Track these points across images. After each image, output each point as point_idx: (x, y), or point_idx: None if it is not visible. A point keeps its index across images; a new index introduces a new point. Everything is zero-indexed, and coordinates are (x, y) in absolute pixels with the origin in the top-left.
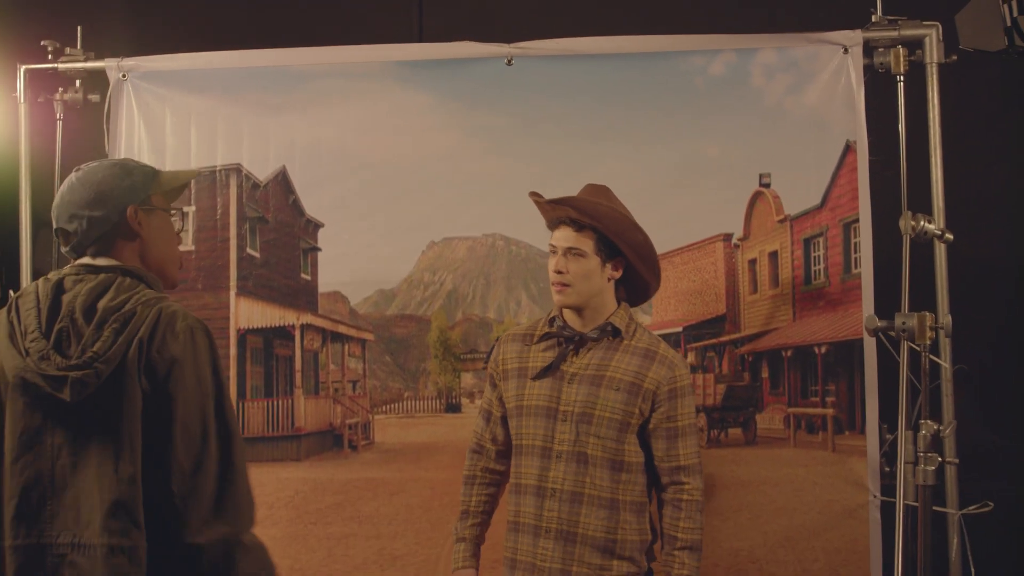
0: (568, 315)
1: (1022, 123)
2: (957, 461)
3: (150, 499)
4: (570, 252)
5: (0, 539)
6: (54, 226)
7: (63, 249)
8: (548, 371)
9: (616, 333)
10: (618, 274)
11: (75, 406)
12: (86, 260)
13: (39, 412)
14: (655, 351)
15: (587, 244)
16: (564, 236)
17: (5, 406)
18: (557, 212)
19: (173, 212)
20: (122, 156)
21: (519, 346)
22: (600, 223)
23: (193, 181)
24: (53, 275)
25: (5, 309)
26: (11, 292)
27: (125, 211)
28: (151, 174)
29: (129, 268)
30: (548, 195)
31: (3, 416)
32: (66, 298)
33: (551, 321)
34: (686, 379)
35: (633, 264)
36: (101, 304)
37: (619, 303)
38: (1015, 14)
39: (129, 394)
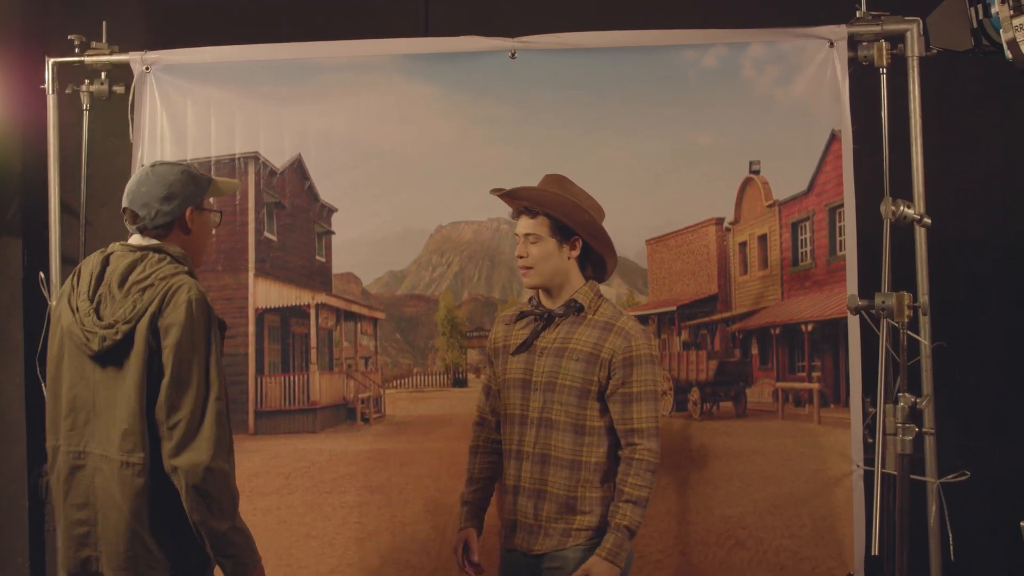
0: (542, 295)
1: (999, 113)
2: (934, 431)
3: (152, 429)
4: (528, 237)
5: (56, 442)
6: (124, 206)
7: (128, 226)
8: (524, 347)
9: (580, 309)
10: (576, 252)
11: (104, 354)
12: (133, 240)
13: (84, 355)
14: (613, 323)
15: (542, 228)
16: (523, 224)
17: (64, 348)
18: (515, 203)
19: (215, 212)
20: (146, 144)
21: (506, 326)
22: (547, 208)
23: (213, 168)
24: (108, 248)
25: (73, 272)
26: (40, 274)
27: (185, 210)
28: (208, 182)
29: (161, 246)
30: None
31: (63, 355)
32: (109, 269)
33: (530, 301)
34: (643, 349)
35: (588, 242)
36: (131, 277)
37: (587, 280)
38: (981, 17)
39: (140, 349)
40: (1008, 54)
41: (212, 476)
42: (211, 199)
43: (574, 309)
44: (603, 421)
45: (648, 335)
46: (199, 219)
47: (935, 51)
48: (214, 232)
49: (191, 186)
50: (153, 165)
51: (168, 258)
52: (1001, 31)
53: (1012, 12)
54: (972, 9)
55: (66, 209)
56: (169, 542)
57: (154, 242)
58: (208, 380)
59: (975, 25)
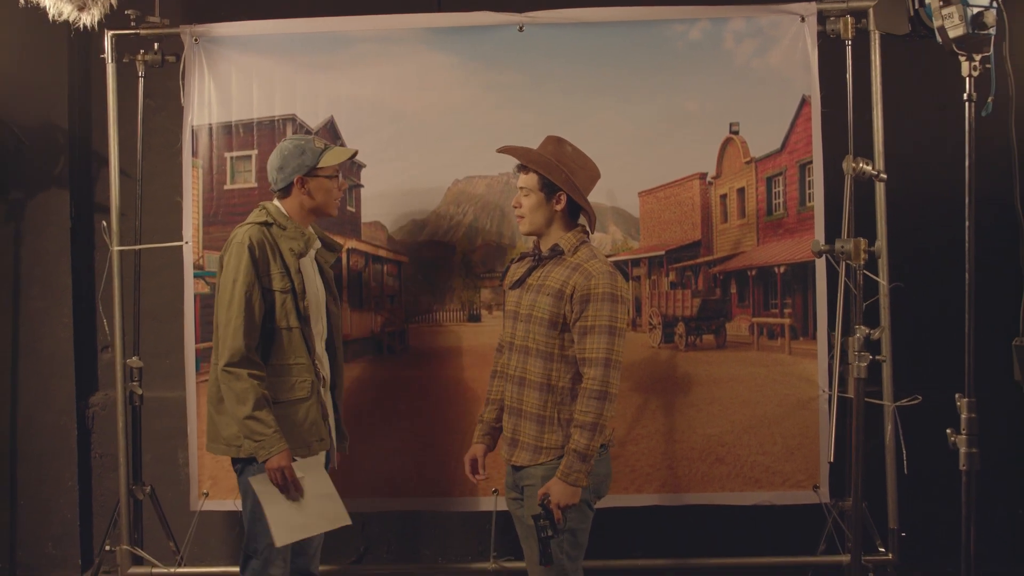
0: (539, 241)
1: (949, 81)
2: (887, 359)
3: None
4: (522, 190)
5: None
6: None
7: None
8: (518, 284)
9: (562, 252)
10: (560, 206)
11: None
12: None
13: None
14: (582, 264)
15: (532, 183)
16: (520, 179)
17: None
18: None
19: (332, 177)
20: (195, 107)
21: (513, 265)
22: (535, 166)
23: (256, 128)
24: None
25: None
26: (103, 222)
27: (294, 178)
28: (318, 152)
29: (264, 204)
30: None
31: None
32: None
33: (532, 246)
34: (601, 288)
35: (572, 197)
36: None
37: (573, 228)
38: (917, 7)
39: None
40: (938, 38)
41: (225, 375)
42: (329, 165)
43: (557, 252)
44: (571, 351)
45: (614, 276)
46: (312, 183)
47: None
48: (337, 190)
49: (299, 158)
50: (285, 139)
51: (256, 211)
52: (932, 19)
53: (941, 3)
54: (909, 0)
55: (105, 162)
56: (225, 423)
57: (270, 203)
58: (230, 302)
59: (912, 13)
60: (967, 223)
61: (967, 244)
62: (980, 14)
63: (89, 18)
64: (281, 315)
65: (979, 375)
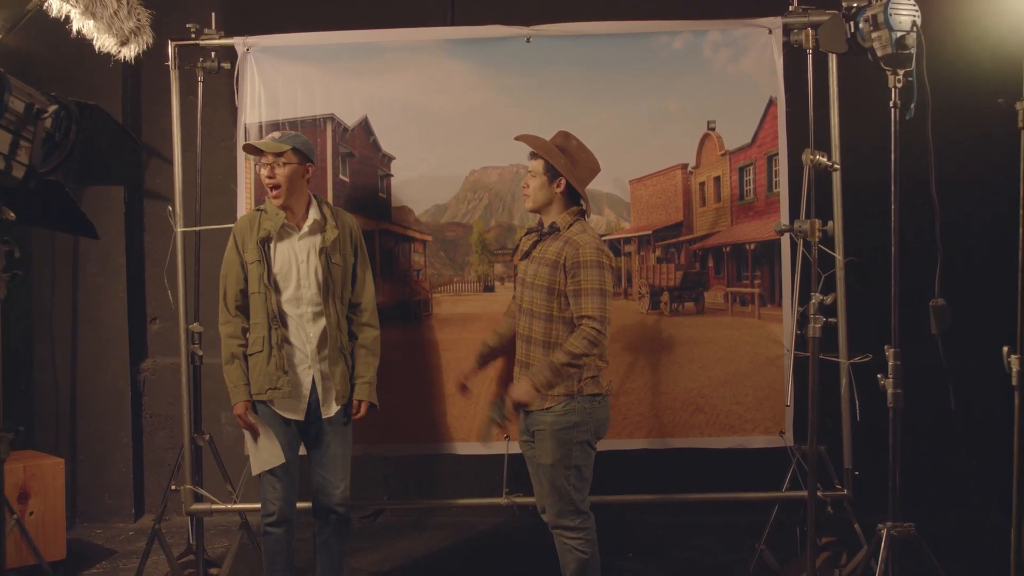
0: (541, 218)
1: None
2: (835, 320)
3: None
4: (530, 173)
5: None
6: None
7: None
8: (525, 256)
9: (558, 229)
10: (560, 188)
11: None
12: None
13: None
14: (571, 238)
15: (538, 167)
16: (530, 164)
17: None
18: (528, 146)
19: (255, 158)
20: (247, 108)
21: (522, 241)
22: (542, 152)
23: (300, 126)
24: None
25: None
26: (169, 207)
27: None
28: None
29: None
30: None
31: None
32: None
33: (537, 222)
34: (587, 256)
35: (570, 181)
36: None
37: (570, 206)
38: (853, 31)
39: None
40: (870, 57)
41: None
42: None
43: (555, 229)
44: (567, 312)
45: (599, 247)
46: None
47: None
48: (262, 174)
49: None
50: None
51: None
52: (865, 41)
53: (871, 28)
54: (847, 24)
55: (157, 154)
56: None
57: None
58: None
59: (849, 35)
60: (892, 205)
61: (892, 222)
62: (902, 37)
63: (128, 51)
64: (251, 282)
65: (912, 331)
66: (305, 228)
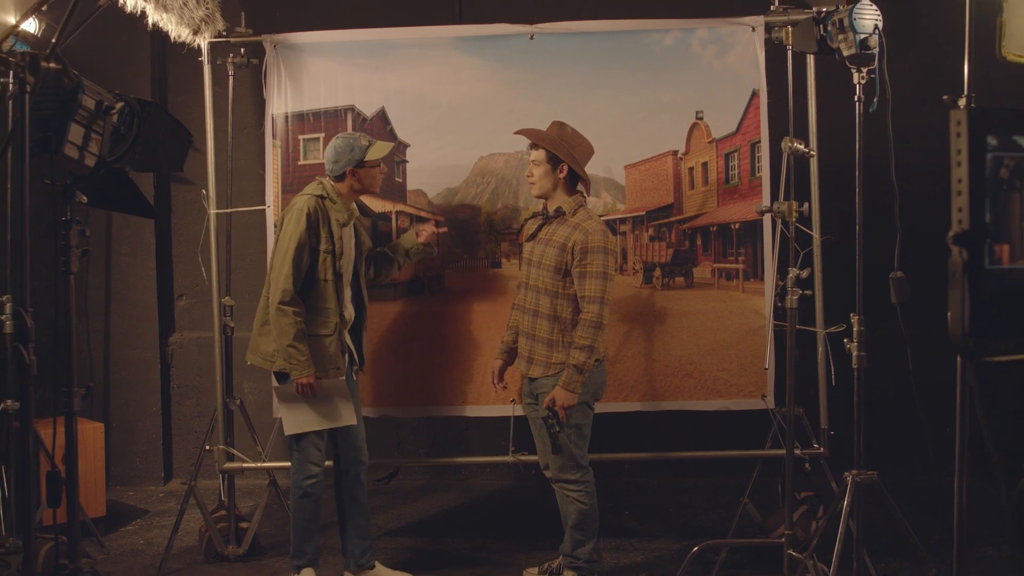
0: (546, 203)
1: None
2: (811, 293)
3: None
4: (533, 163)
5: None
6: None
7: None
8: (531, 237)
9: (563, 213)
10: (563, 175)
11: None
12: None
13: None
14: (580, 224)
15: (540, 156)
16: (532, 154)
17: None
18: (528, 139)
19: (375, 167)
20: (274, 100)
21: (529, 222)
22: (542, 143)
23: (323, 116)
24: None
25: None
26: (204, 191)
27: (346, 169)
28: (364, 149)
29: (322, 181)
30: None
31: None
32: None
33: (541, 207)
34: (595, 242)
35: (572, 167)
36: None
37: (574, 193)
38: (821, 32)
39: None
40: (837, 56)
41: (277, 311)
42: (374, 159)
43: (561, 213)
44: (571, 290)
45: (605, 233)
46: (361, 172)
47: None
48: (379, 175)
49: (349, 153)
50: (337, 136)
51: (314, 184)
52: (832, 41)
53: (837, 30)
54: (816, 27)
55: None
56: (265, 342)
57: (327, 179)
58: (285, 253)
59: (818, 37)
60: (857, 189)
61: (856, 205)
62: (866, 39)
63: (201, 39)
64: (322, 270)
65: (885, 305)
66: (357, 214)
